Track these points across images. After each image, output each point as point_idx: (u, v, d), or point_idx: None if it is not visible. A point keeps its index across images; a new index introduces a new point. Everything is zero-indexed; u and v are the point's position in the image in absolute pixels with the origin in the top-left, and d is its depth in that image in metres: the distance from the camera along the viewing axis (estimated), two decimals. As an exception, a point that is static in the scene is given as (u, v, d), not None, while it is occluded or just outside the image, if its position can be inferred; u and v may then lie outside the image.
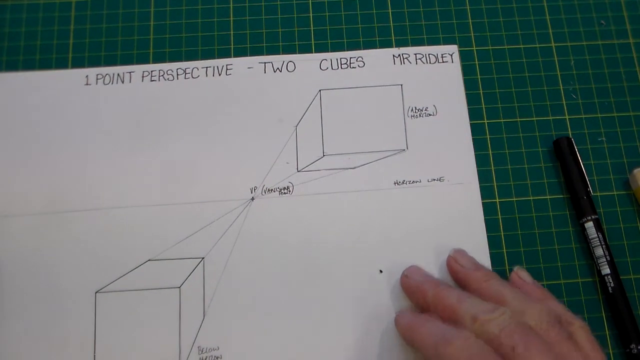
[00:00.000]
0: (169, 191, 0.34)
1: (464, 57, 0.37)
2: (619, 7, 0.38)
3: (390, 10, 0.38)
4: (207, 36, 0.37)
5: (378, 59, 0.37)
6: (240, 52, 0.37)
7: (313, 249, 0.33)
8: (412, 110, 0.36)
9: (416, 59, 0.37)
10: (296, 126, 0.35)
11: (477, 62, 0.37)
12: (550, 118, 0.36)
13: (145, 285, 0.32)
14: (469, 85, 0.37)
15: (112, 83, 0.36)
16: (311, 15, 0.38)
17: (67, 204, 0.34)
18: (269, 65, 0.37)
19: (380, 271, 0.32)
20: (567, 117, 0.36)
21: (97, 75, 0.36)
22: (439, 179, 0.34)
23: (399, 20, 0.38)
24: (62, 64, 0.37)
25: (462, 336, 0.25)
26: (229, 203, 0.34)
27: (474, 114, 0.36)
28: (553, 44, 0.38)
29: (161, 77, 0.36)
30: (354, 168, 0.34)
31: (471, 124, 0.36)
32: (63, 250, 0.33)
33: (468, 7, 0.38)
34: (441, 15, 0.38)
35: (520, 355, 0.24)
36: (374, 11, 0.38)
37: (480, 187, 0.34)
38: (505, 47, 0.38)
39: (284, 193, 0.34)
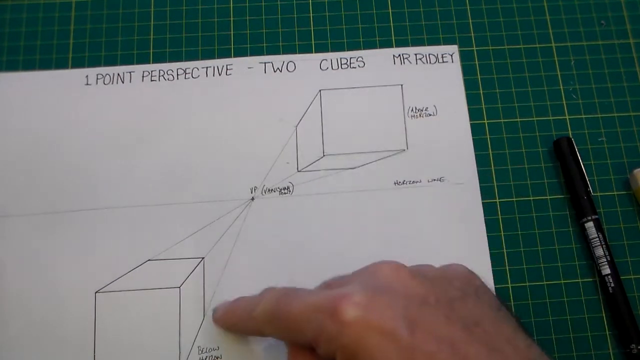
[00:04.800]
0: (169, 191, 0.34)
1: (464, 57, 0.37)
2: (619, 7, 0.38)
3: (390, 11, 0.38)
4: (207, 36, 0.37)
5: (378, 59, 0.37)
6: (240, 52, 0.37)
7: (313, 249, 0.33)
8: (412, 110, 0.36)
9: (416, 59, 0.37)
10: (296, 126, 0.35)
11: (477, 62, 0.37)
12: (551, 118, 0.36)
13: (145, 285, 0.32)
14: (469, 85, 0.37)
15: (112, 83, 0.36)
16: (311, 15, 0.38)
17: (67, 204, 0.34)
18: (269, 65, 0.37)
19: (380, 271, 0.32)
20: (567, 117, 0.36)
21: (97, 75, 0.36)
22: (439, 179, 0.34)
23: (399, 20, 0.38)
24: (62, 64, 0.37)
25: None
26: (229, 203, 0.34)
27: (474, 114, 0.36)
28: (553, 44, 0.38)
29: (161, 77, 0.36)
30: (354, 168, 0.34)
31: (471, 124, 0.36)
32: (63, 250, 0.33)
33: (468, 7, 0.38)
34: (441, 15, 0.38)
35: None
36: (374, 11, 0.38)
37: (480, 187, 0.34)
38: (506, 47, 0.38)
39: (284, 193, 0.34)
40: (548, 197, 0.34)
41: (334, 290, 0.23)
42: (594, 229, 0.33)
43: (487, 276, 0.32)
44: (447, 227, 0.33)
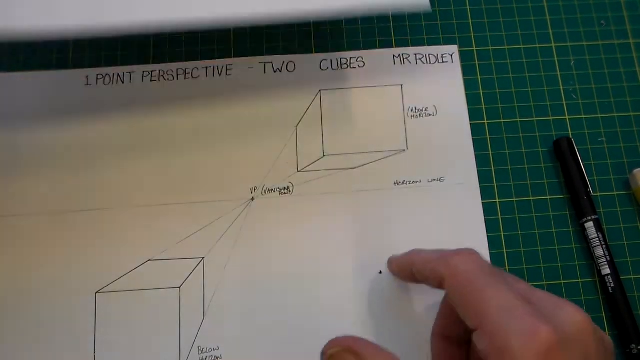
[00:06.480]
0: (169, 191, 0.34)
1: (464, 57, 0.37)
2: (619, 7, 0.38)
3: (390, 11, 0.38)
4: (207, 36, 0.37)
5: (378, 59, 0.37)
6: (240, 53, 0.37)
7: (313, 250, 0.33)
8: (412, 110, 0.36)
9: (416, 60, 0.37)
10: (296, 126, 0.35)
11: (477, 63, 0.37)
12: (551, 118, 0.36)
13: (145, 285, 0.32)
14: (469, 85, 0.37)
15: (113, 83, 0.36)
16: (311, 15, 0.38)
17: (67, 204, 0.34)
18: (269, 66, 0.37)
19: (380, 272, 0.32)
20: (567, 117, 0.36)
21: (98, 75, 0.36)
22: (439, 179, 0.34)
23: (399, 20, 0.38)
24: (62, 64, 0.37)
25: (466, 251, 0.26)
26: (229, 203, 0.34)
27: (474, 114, 0.36)
28: (553, 44, 0.38)
29: (161, 77, 0.36)
30: (354, 168, 0.34)
31: (471, 124, 0.36)
32: (63, 250, 0.33)
33: (468, 7, 0.38)
34: (441, 15, 0.38)
35: (509, 276, 0.25)
36: (374, 11, 0.38)
37: (480, 187, 0.34)
38: (506, 47, 0.38)
39: (284, 193, 0.34)
40: (548, 197, 0.34)
41: (536, 313, 0.23)
42: (594, 229, 0.33)
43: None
44: (447, 227, 0.33)
